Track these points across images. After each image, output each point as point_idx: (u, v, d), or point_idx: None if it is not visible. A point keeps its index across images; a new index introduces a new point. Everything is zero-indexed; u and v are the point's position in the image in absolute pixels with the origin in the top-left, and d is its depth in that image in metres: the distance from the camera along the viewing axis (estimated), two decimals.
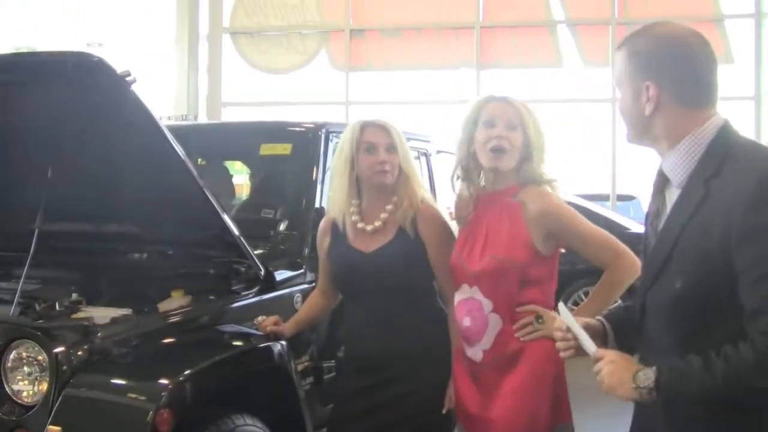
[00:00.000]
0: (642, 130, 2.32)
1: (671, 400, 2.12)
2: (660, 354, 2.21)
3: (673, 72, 2.24)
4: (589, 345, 2.35)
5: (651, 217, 2.40)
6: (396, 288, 3.50)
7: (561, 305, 2.54)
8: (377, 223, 3.52)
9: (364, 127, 3.53)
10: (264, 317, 3.68)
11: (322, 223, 3.76)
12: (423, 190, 3.60)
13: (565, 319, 2.45)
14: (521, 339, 3.18)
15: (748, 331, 2.00)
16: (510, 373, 3.19)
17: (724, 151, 2.18)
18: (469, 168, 3.33)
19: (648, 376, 2.13)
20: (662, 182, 2.35)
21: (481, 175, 3.34)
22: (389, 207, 3.51)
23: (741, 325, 2.03)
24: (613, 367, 2.23)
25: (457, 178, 3.39)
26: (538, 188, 3.26)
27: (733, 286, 2.05)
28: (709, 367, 2.02)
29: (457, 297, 3.31)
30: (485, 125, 3.23)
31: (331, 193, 3.74)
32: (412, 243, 3.49)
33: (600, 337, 2.49)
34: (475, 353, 3.27)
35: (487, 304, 3.21)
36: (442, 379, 3.45)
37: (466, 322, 3.27)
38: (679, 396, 2.11)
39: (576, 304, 8.74)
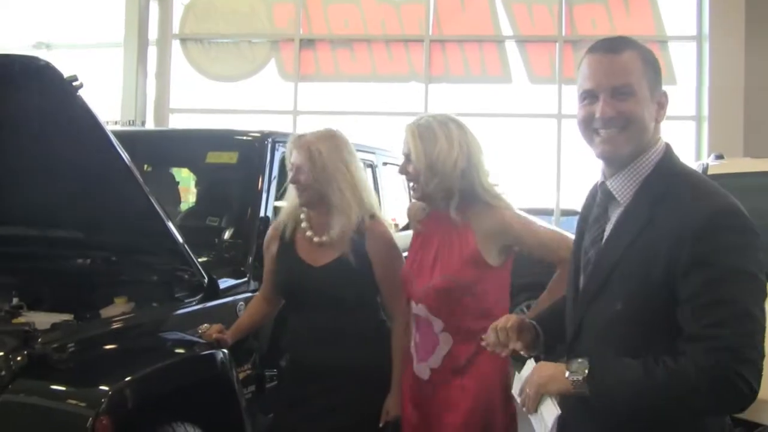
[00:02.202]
0: (636, 141, 2.27)
1: (601, 394, 2.16)
2: None
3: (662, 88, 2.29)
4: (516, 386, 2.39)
5: (591, 233, 2.40)
6: (341, 303, 3.51)
7: (530, 362, 2.48)
8: (324, 238, 3.52)
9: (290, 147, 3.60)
10: (207, 325, 3.67)
11: (271, 230, 3.76)
12: (370, 205, 3.59)
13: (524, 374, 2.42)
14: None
15: (685, 350, 2.04)
16: (457, 392, 3.20)
17: (670, 176, 2.23)
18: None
19: (582, 365, 2.17)
20: (607, 201, 2.36)
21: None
22: (339, 220, 3.49)
23: (673, 347, 2.07)
24: (540, 368, 2.30)
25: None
26: (485, 205, 3.25)
27: (671, 310, 2.09)
28: (649, 372, 2.05)
29: (412, 311, 3.34)
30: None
31: (284, 201, 3.75)
32: (360, 260, 3.49)
33: (532, 337, 2.55)
34: (422, 371, 3.28)
35: (438, 323, 3.21)
36: (381, 393, 3.47)
37: (417, 338, 3.30)
38: (608, 391, 2.14)
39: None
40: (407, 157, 3.24)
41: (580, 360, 2.19)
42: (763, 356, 2.03)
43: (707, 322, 2.02)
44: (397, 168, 3.37)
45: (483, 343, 2.60)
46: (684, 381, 2.02)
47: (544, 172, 12.29)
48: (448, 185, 3.21)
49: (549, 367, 2.28)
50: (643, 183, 2.25)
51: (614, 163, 2.31)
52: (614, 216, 2.32)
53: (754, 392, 2.00)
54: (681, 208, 2.13)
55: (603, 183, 2.36)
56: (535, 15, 12.52)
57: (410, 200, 3.53)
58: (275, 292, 3.75)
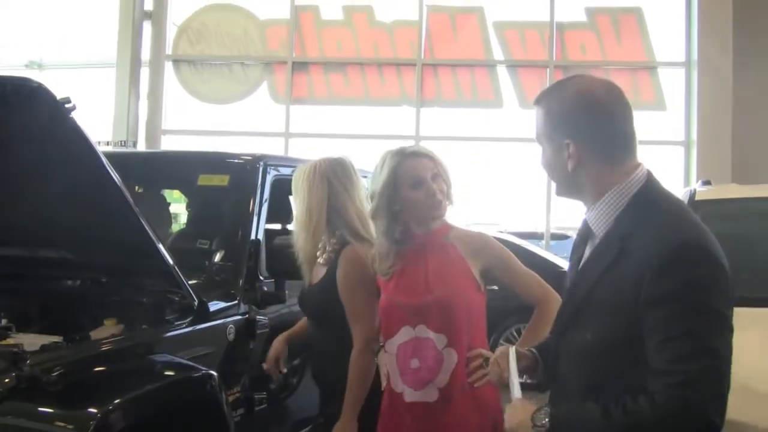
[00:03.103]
0: (567, 185, 2.36)
1: None
2: (569, 396, 2.27)
3: (589, 130, 2.27)
4: (516, 391, 2.39)
5: (572, 265, 2.46)
6: (326, 319, 3.61)
7: (512, 349, 2.55)
8: (324, 256, 3.65)
9: None
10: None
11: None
12: (352, 228, 3.61)
13: (511, 360, 2.49)
14: (475, 385, 3.17)
15: (649, 386, 2.04)
16: (468, 404, 3.20)
17: (644, 208, 2.22)
18: (391, 227, 3.36)
19: (545, 416, 2.18)
20: (586, 232, 2.39)
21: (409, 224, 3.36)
22: (332, 241, 3.64)
23: (644, 378, 2.07)
24: (512, 410, 2.30)
25: (391, 242, 3.34)
26: (465, 228, 3.37)
27: (640, 342, 2.09)
28: (608, 415, 2.05)
29: (395, 341, 3.28)
30: (414, 186, 3.27)
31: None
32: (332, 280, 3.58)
33: (532, 366, 2.57)
34: (429, 394, 3.22)
35: (440, 339, 3.18)
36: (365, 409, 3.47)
37: (414, 364, 3.23)
38: None
39: (508, 340, 8.80)
40: (436, 176, 3.29)
41: (544, 409, 2.20)
42: (726, 391, 2.04)
43: (668, 357, 2.02)
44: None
45: (477, 378, 2.63)
46: (641, 421, 2.02)
47: (535, 196, 12.34)
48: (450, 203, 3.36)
49: (519, 413, 2.28)
50: (618, 216, 2.26)
51: (573, 199, 2.39)
52: (589, 247, 2.36)
53: (715, 428, 2.01)
54: (649, 242, 2.13)
55: (587, 214, 2.38)
56: (527, 40, 12.62)
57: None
58: None
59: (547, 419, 2.17)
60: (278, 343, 4.00)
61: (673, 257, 2.06)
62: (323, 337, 3.64)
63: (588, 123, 2.27)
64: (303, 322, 3.97)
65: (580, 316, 2.27)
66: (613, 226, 2.25)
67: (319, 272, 3.66)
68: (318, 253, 3.67)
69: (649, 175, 2.30)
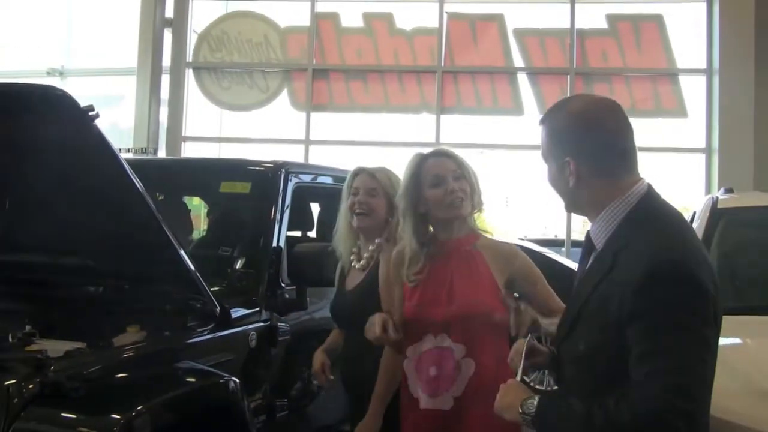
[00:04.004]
0: (570, 201, 2.46)
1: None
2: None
3: (588, 148, 2.35)
4: (518, 375, 2.47)
5: (577, 274, 2.53)
6: (361, 323, 3.52)
7: (527, 340, 2.60)
8: (362, 262, 3.74)
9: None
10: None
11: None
12: (391, 231, 3.75)
13: (523, 348, 2.55)
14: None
15: (629, 395, 2.08)
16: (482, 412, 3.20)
17: (637, 224, 2.29)
18: (419, 229, 3.36)
19: (532, 405, 2.25)
20: (590, 246, 2.45)
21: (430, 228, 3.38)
22: (372, 246, 3.74)
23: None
24: (506, 390, 2.37)
25: (416, 242, 3.38)
26: (492, 236, 3.35)
27: (626, 355, 2.13)
28: (590, 416, 2.10)
29: (417, 349, 3.31)
30: (434, 185, 3.27)
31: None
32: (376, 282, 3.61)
33: (545, 364, 2.65)
34: (443, 402, 3.25)
35: (459, 350, 3.21)
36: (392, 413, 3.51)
37: (432, 371, 3.26)
38: (553, 430, 2.24)
39: None
40: (460, 177, 3.29)
41: (535, 397, 2.27)
42: (700, 406, 2.07)
43: (646, 371, 2.06)
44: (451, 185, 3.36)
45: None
46: (618, 428, 2.06)
47: (555, 203, 12.31)
48: (476, 210, 3.39)
49: (510, 395, 2.35)
50: (615, 230, 2.32)
51: (578, 214, 2.52)
52: (590, 260, 2.43)
53: None
54: (635, 257, 2.18)
55: (591, 227, 2.46)
56: (547, 48, 12.57)
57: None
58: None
59: (533, 411, 2.24)
60: (319, 354, 4.01)
61: (653, 274, 2.11)
62: (362, 342, 3.54)
63: (586, 141, 2.35)
64: (335, 335, 4.00)
65: (575, 328, 2.34)
66: (609, 240, 2.32)
67: (356, 278, 3.74)
68: (352, 258, 3.73)
69: (650, 189, 2.36)
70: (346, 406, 3.97)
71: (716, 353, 2.17)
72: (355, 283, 3.72)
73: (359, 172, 3.84)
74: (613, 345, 2.16)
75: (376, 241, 3.73)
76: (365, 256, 3.73)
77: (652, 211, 2.32)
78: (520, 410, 2.26)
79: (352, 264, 3.80)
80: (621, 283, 2.17)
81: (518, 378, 2.44)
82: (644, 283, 2.10)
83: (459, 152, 3.42)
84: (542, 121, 2.49)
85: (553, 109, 2.49)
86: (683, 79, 12.21)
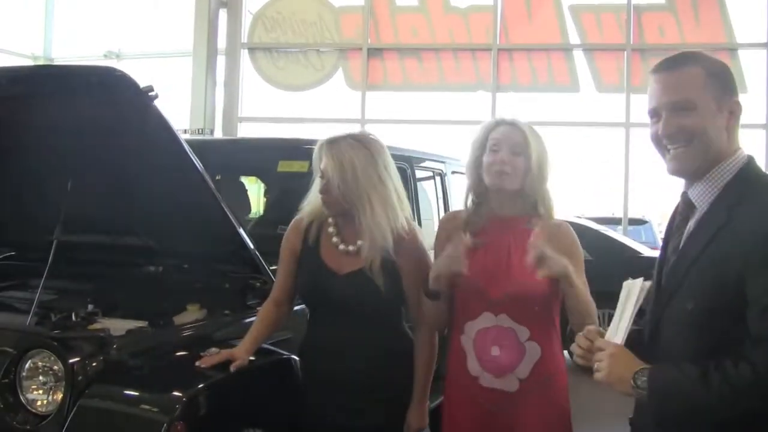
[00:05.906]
0: (708, 152, 2.30)
1: (662, 404, 2.16)
2: (674, 359, 2.24)
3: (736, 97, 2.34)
4: (620, 335, 2.33)
5: (673, 241, 2.42)
6: (363, 313, 3.36)
7: (642, 282, 2.42)
8: (351, 248, 3.38)
9: None
10: (216, 349, 3.41)
11: (293, 228, 3.54)
12: (403, 218, 3.39)
13: (632, 295, 2.38)
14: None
15: (749, 355, 2.04)
16: (545, 401, 3.18)
17: (751, 182, 2.25)
18: (480, 191, 3.33)
19: (644, 381, 2.17)
20: (688, 210, 2.38)
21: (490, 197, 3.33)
22: (369, 237, 3.31)
23: (745, 349, 2.07)
24: (614, 360, 2.27)
25: (472, 203, 3.36)
26: (551, 217, 3.25)
27: (742, 313, 2.09)
28: (706, 377, 2.06)
29: (475, 325, 3.22)
30: (491, 150, 3.24)
31: (308, 199, 3.56)
32: (387, 271, 3.33)
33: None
34: (508, 383, 3.18)
35: (523, 332, 3.15)
36: (400, 407, 3.38)
37: (495, 351, 3.19)
38: (669, 401, 2.15)
39: None
40: (519, 154, 3.21)
41: (642, 374, 2.18)
42: None
43: None
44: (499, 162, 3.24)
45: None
46: (740, 389, 2.02)
47: (612, 180, 12.20)
48: (535, 189, 3.26)
49: (621, 366, 2.25)
50: (722, 190, 2.27)
51: (686, 177, 2.36)
52: (693, 222, 2.34)
53: None
54: (757, 211, 2.15)
55: (684, 193, 2.38)
56: (603, 23, 12.43)
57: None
58: (289, 296, 3.57)
59: (646, 383, 2.16)
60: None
61: None
62: (346, 335, 3.33)
63: (735, 90, 2.35)
64: (265, 323, 3.59)
65: (683, 286, 2.26)
66: (719, 197, 2.27)
67: (341, 259, 3.40)
68: (331, 231, 3.43)
69: (750, 157, 2.33)
70: None
71: None
72: (352, 268, 3.35)
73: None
74: (729, 299, 2.11)
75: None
76: (363, 245, 3.31)
77: (760, 174, 2.31)
78: (633, 384, 2.18)
79: (333, 240, 3.41)
80: (741, 237, 2.12)
81: (618, 339, 2.32)
82: None
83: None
84: (689, 64, 2.33)
85: (696, 55, 2.38)
86: (743, 53, 12.00)
